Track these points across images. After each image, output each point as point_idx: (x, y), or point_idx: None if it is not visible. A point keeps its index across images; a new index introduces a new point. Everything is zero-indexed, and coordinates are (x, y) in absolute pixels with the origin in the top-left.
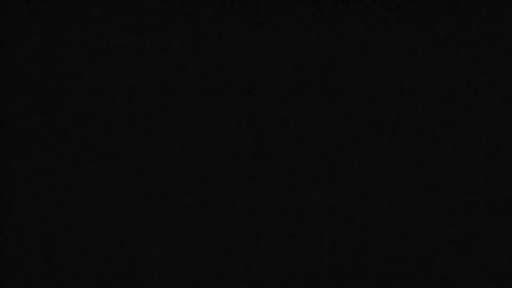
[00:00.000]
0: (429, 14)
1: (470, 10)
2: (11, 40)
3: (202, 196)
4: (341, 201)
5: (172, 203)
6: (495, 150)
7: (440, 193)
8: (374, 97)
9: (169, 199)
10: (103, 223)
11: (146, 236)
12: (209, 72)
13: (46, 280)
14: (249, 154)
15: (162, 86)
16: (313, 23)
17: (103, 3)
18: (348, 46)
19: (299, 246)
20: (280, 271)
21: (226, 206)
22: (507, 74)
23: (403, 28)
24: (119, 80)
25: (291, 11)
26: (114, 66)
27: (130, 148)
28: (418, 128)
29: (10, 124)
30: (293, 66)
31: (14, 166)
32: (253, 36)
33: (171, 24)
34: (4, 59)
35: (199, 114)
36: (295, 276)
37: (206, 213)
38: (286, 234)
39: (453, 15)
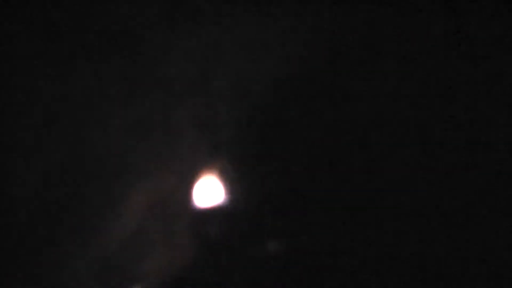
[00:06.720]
0: (429, 13)
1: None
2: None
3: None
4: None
5: (171, 202)
6: (495, 150)
7: (440, 193)
8: (374, 97)
9: (169, 198)
10: (103, 222)
11: (146, 236)
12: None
13: (46, 280)
14: (248, 153)
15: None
16: (312, 22)
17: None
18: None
19: (298, 246)
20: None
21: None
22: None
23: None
24: (119, 80)
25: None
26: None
27: (129, 148)
28: (418, 128)
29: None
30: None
31: (14, 166)
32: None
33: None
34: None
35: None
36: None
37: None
38: (286, 234)
39: (453, 15)
